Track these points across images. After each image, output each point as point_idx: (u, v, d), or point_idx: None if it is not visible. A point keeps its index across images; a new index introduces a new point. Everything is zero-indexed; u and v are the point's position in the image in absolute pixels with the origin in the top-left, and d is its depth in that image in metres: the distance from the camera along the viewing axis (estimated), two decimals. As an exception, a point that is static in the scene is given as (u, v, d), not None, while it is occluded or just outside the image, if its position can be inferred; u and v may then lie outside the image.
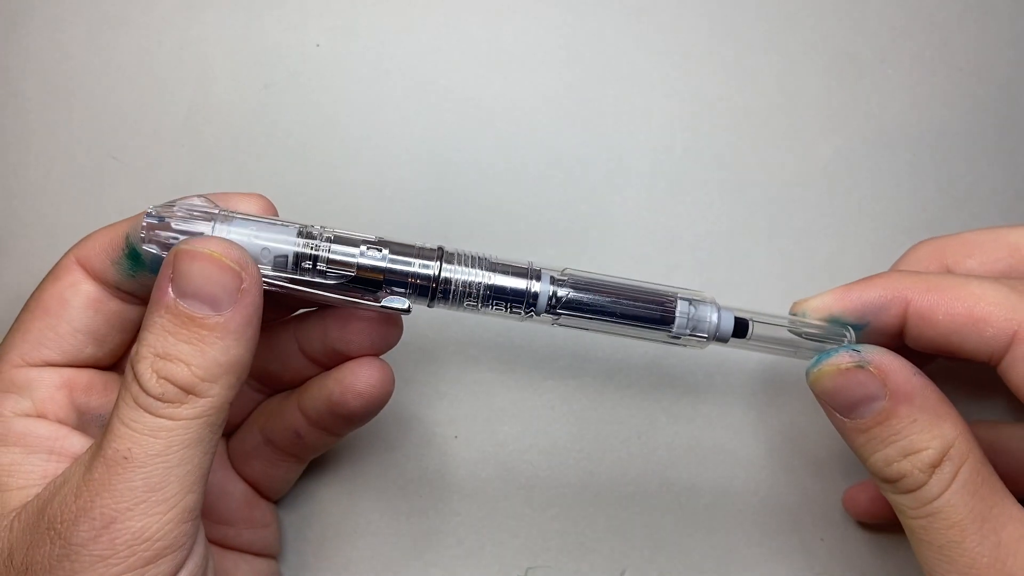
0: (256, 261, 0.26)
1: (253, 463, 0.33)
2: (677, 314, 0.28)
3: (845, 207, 0.38)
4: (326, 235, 0.27)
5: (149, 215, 0.26)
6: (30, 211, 0.36)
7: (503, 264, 0.28)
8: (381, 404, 0.30)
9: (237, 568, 0.32)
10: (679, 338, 0.29)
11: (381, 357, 0.30)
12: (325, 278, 0.27)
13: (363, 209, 0.37)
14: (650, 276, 0.33)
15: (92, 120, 0.37)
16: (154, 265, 0.27)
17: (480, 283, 0.28)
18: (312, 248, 0.26)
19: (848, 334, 0.28)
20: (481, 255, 0.28)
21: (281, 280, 0.27)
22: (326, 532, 0.35)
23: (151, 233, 0.26)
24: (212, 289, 0.25)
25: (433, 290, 0.27)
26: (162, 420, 0.24)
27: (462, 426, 0.36)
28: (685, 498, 0.36)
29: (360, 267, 0.27)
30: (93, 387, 0.29)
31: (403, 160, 0.37)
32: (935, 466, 0.25)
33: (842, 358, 0.27)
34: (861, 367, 0.26)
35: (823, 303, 0.29)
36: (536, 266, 0.28)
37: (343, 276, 0.27)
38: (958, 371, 0.30)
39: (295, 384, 0.31)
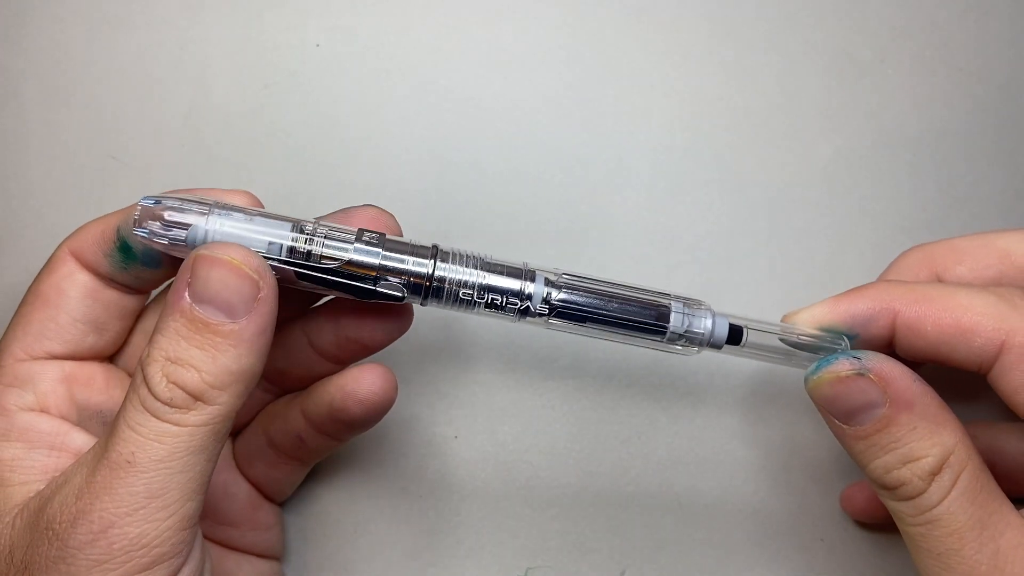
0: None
1: (257, 465, 0.33)
2: (671, 322, 0.28)
3: (845, 207, 0.38)
4: (320, 231, 0.27)
5: (143, 203, 0.26)
6: (30, 211, 0.36)
7: (498, 264, 0.28)
8: (383, 411, 0.30)
9: (240, 569, 0.32)
10: (674, 343, 0.29)
11: (385, 364, 0.30)
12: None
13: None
14: (650, 276, 0.33)
15: (92, 120, 0.37)
16: (146, 258, 0.27)
17: (474, 282, 0.27)
18: (306, 242, 0.26)
19: (844, 342, 0.28)
20: (476, 254, 0.28)
21: (278, 261, 0.26)
22: (326, 532, 0.35)
23: (144, 222, 0.26)
24: (229, 296, 0.24)
25: (427, 288, 0.27)
26: (168, 425, 0.24)
27: (462, 426, 0.36)
28: (685, 498, 0.36)
29: (353, 263, 0.27)
30: (94, 382, 0.29)
31: (403, 160, 0.37)
32: (934, 474, 0.25)
33: (842, 365, 0.27)
34: (861, 374, 0.26)
35: (812, 316, 0.29)
36: (531, 267, 0.28)
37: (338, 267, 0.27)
38: (951, 373, 0.30)
39: (303, 383, 0.31)
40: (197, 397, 0.24)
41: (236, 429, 0.33)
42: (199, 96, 0.37)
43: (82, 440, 0.27)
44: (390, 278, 0.27)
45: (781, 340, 0.29)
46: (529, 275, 0.28)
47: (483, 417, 0.36)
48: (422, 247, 0.28)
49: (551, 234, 0.37)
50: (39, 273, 0.28)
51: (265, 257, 0.26)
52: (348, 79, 0.38)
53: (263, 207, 0.28)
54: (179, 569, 0.25)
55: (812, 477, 0.36)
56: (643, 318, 0.28)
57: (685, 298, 0.29)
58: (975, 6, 0.39)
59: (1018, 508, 0.26)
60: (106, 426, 0.28)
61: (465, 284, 0.27)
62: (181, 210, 0.26)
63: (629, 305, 0.28)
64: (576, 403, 0.36)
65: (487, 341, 0.36)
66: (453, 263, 0.27)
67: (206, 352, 0.24)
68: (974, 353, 0.26)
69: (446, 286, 0.27)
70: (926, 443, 0.26)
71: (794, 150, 0.38)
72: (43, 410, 0.27)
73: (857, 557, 0.35)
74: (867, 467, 0.27)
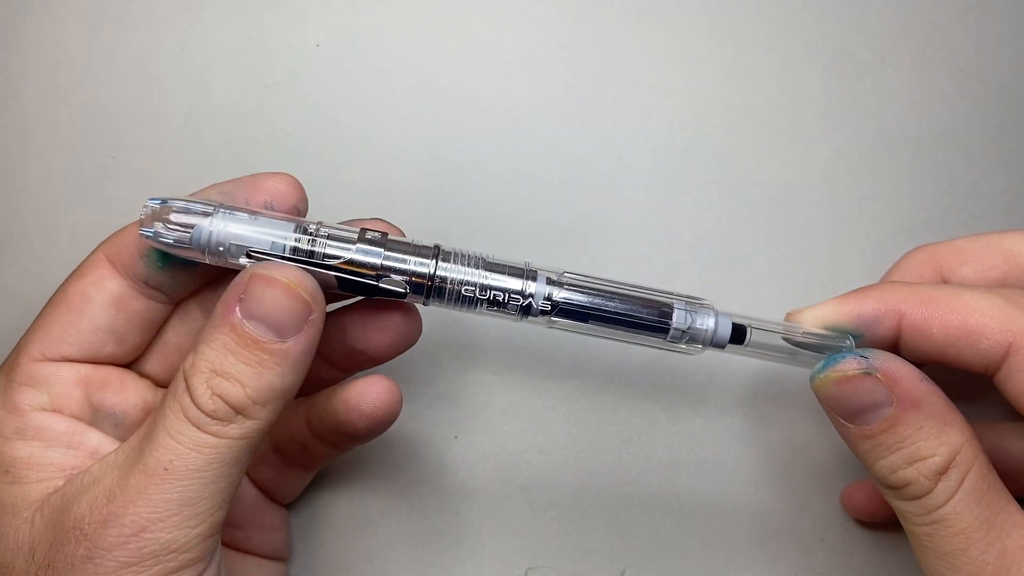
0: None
1: (263, 469, 0.33)
2: (673, 321, 0.28)
3: (845, 207, 0.38)
4: (323, 231, 0.27)
5: (149, 204, 0.26)
6: (30, 211, 0.36)
7: (499, 264, 0.28)
8: (387, 424, 0.30)
9: (247, 570, 0.32)
10: (676, 343, 0.29)
11: (389, 377, 0.30)
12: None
13: (363, 209, 0.37)
14: (650, 276, 0.33)
15: (92, 120, 0.37)
16: (182, 258, 0.28)
17: (475, 282, 0.28)
18: (310, 243, 0.27)
19: (850, 341, 0.28)
20: (477, 254, 0.28)
21: (280, 259, 0.26)
22: (326, 533, 0.35)
23: (150, 223, 0.26)
24: (281, 316, 0.25)
25: (428, 288, 0.27)
26: (208, 437, 0.25)
27: (462, 427, 0.36)
28: (685, 498, 0.36)
29: (355, 263, 0.27)
30: (109, 385, 0.29)
31: (403, 160, 0.37)
32: (941, 473, 0.25)
33: (849, 364, 0.26)
34: (869, 373, 0.26)
35: (817, 315, 0.29)
36: (533, 267, 0.28)
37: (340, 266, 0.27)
38: (955, 372, 0.30)
39: (309, 389, 0.31)
40: (239, 411, 0.25)
41: None
42: (199, 96, 0.37)
43: (98, 440, 0.27)
44: (392, 275, 0.27)
45: (785, 339, 0.29)
46: (531, 274, 0.28)
47: (483, 417, 0.36)
48: (424, 247, 0.28)
49: (551, 234, 0.37)
50: (70, 275, 0.29)
51: (269, 254, 0.26)
52: (348, 79, 0.38)
53: (303, 190, 0.29)
54: (202, 573, 0.25)
55: (813, 477, 0.36)
56: (646, 316, 0.28)
57: (688, 297, 0.29)
58: (975, 6, 0.39)
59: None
60: (119, 428, 0.29)
61: (467, 283, 0.27)
62: (186, 211, 0.26)
63: (632, 303, 0.28)
64: (576, 403, 0.36)
65: (487, 342, 0.36)
66: (455, 263, 0.28)
67: (252, 368, 0.25)
68: (981, 355, 0.26)
69: (448, 285, 0.27)
70: (933, 443, 0.26)
71: (794, 150, 0.38)
72: (56, 410, 0.27)
73: (857, 557, 0.35)
74: (873, 467, 0.27)
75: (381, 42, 0.38)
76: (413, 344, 0.30)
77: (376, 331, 0.29)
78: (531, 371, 0.36)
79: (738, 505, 0.36)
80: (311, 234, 0.27)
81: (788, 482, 0.36)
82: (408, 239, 0.28)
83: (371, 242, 0.27)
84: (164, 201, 0.26)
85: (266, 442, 0.32)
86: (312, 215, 0.29)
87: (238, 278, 0.26)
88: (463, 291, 0.27)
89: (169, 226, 0.26)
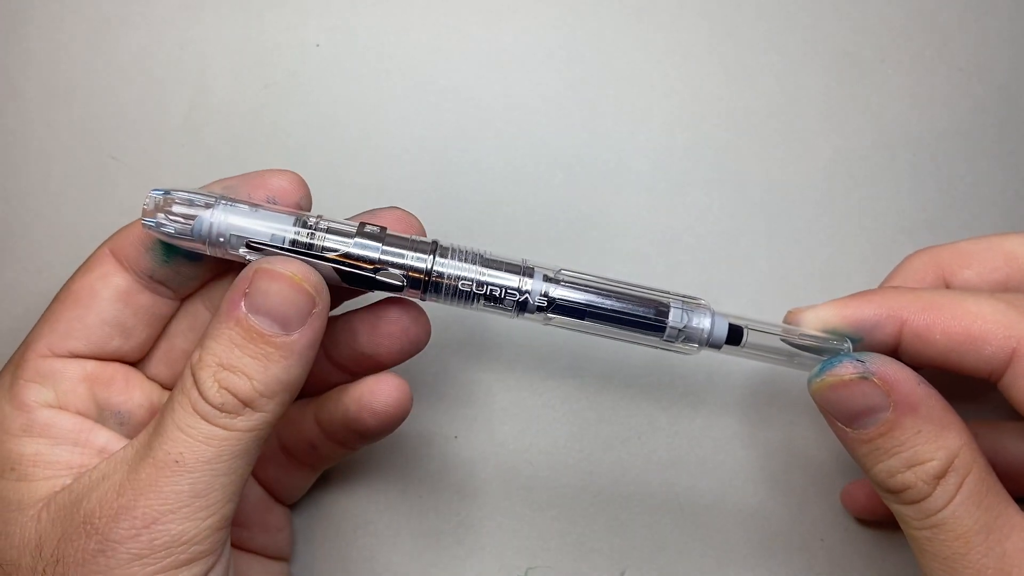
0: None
1: (269, 468, 0.33)
2: (669, 320, 0.28)
3: (845, 207, 0.38)
4: (322, 225, 0.27)
5: (152, 195, 0.27)
6: (30, 211, 0.36)
7: (496, 260, 0.28)
8: (397, 422, 0.30)
9: (251, 569, 0.32)
10: (672, 342, 0.29)
11: (399, 376, 0.30)
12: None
13: (363, 209, 0.37)
14: (650, 276, 0.33)
15: (92, 120, 0.37)
16: (187, 251, 0.28)
17: (472, 278, 0.28)
18: (309, 236, 0.27)
19: (848, 344, 0.28)
20: (475, 250, 0.28)
21: (279, 251, 0.27)
22: (326, 533, 0.36)
23: (153, 214, 0.27)
24: (286, 310, 0.25)
25: (426, 283, 0.28)
26: (217, 429, 0.25)
27: (462, 426, 0.36)
28: (685, 498, 0.36)
29: (353, 256, 0.27)
30: (114, 382, 0.29)
31: (403, 160, 0.37)
32: (940, 477, 0.25)
33: (845, 368, 0.26)
34: (865, 378, 0.26)
35: (817, 317, 0.28)
36: (530, 264, 0.28)
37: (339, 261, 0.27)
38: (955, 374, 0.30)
39: (317, 389, 0.31)
40: (247, 404, 0.25)
41: None
42: (199, 96, 0.37)
43: (105, 437, 0.27)
44: (390, 269, 0.27)
45: (783, 341, 0.29)
46: (528, 271, 0.28)
47: (483, 417, 0.36)
48: (422, 242, 0.28)
49: (551, 234, 0.37)
50: (76, 271, 0.29)
51: (268, 245, 0.26)
52: (348, 79, 0.38)
53: (307, 188, 0.29)
54: (212, 567, 0.26)
55: (812, 478, 0.36)
56: (642, 315, 0.28)
57: (685, 296, 0.29)
58: (975, 6, 0.39)
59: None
60: (124, 427, 0.29)
61: (464, 279, 0.28)
62: (188, 202, 0.27)
63: (628, 302, 0.28)
64: (576, 403, 0.36)
65: (487, 341, 0.36)
66: (452, 259, 0.28)
67: (258, 361, 0.25)
68: (984, 361, 0.26)
69: (445, 281, 0.28)
70: (931, 446, 0.26)
71: (794, 150, 0.38)
72: (62, 407, 0.28)
73: (857, 557, 0.35)
74: (871, 471, 0.27)
75: (381, 42, 0.38)
76: (421, 349, 0.30)
77: (385, 336, 0.29)
78: (531, 370, 0.36)
79: (738, 505, 0.36)
80: (310, 227, 0.27)
81: (788, 482, 0.36)
82: (407, 235, 0.28)
83: (369, 236, 0.27)
84: (167, 192, 0.27)
85: (273, 441, 0.32)
86: (313, 215, 0.29)
87: (243, 273, 0.26)
88: (460, 286, 0.28)
89: (171, 217, 0.26)
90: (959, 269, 0.30)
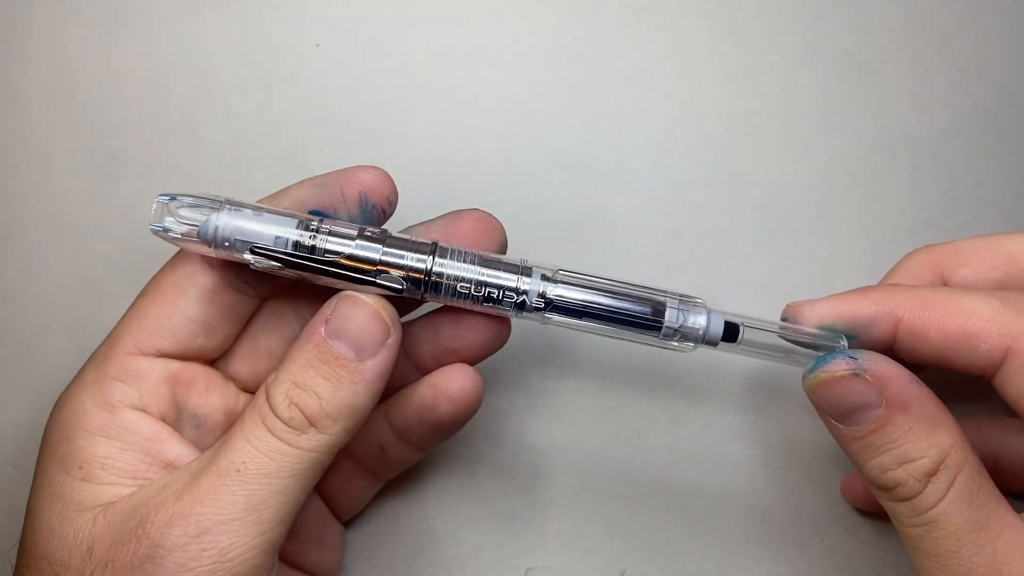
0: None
1: (331, 478, 0.33)
2: (666, 318, 0.28)
3: (845, 207, 0.38)
4: (324, 227, 0.28)
5: (159, 199, 0.27)
6: (30, 211, 0.36)
7: (495, 260, 0.28)
8: (471, 412, 0.30)
9: None
10: (669, 340, 0.29)
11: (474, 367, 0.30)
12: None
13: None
14: (650, 276, 0.33)
15: (92, 120, 0.37)
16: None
17: (471, 278, 0.28)
18: (311, 237, 0.27)
19: (843, 341, 0.28)
20: (474, 251, 0.29)
21: (284, 254, 0.27)
22: (326, 532, 0.35)
23: (160, 218, 0.27)
24: (362, 336, 0.26)
25: (425, 283, 0.28)
26: (281, 444, 0.26)
27: (462, 426, 0.36)
28: (685, 498, 0.36)
29: (354, 258, 0.27)
30: (195, 385, 0.29)
31: (403, 160, 0.37)
32: (931, 475, 0.25)
33: (838, 365, 0.27)
34: (857, 375, 0.26)
35: (814, 312, 0.28)
36: (528, 263, 0.29)
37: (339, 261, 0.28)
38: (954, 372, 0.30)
39: (390, 392, 0.31)
40: (313, 422, 0.26)
41: None
42: (199, 96, 0.37)
43: (177, 451, 0.28)
44: (391, 271, 0.27)
45: (780, 338, 0.29)
46: (526, 271, 0.28)
47: (483, 417, 0.36)
48: (422, 243, 0.28)
49: (551, 234, 0.37)
50: (161, 268, 0.29)
51: (270, 250, 0.27)
52: (348, 79, 0.38)
53: (393, 182, 0.29)
54: None
55: (812, 476, 0.36)
56: (639, 313, 0.28)
57: (681, 295, 0.29)
58: (975, 6, 0.39)
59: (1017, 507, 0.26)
60: (199, 430, 0.29)
61: (463, 279, 0.28)
62: (195, 206, 0.27)
63: (625, 300, 0.29)
64: (576, 403, 0.36)
65: (487, 341, 0.36)
66: (452, 259, 0.28)
67: (330, 383, 0.26)
68: (979, 358, 0.26)
69: (444, 281, 0.28)
70: (922, 444, 0.26)
71: (794, 150, 0.38)
72: (144, 409, 0.28)
73: (857, 557, 0.35)
74: (863, 467, 0.27)
75: (381, 42, 0.38)
76: (504, 344, 0.30)
77: (470, 330, 0.30)
78: (531, 371, 0.36)
79: (738, 505, 0.36)
80: (312, 230, 0.27)
81: (787, 482, 0.36)
82: (407, 236, 0.29)
83: (370, 238, 0.28)
84: (173, 197, 0.27)
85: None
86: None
87: (329, 301, 0.27)
88: (459, 287, 0.28)
89: (178, 221, 0.27)
90: (957, 267, 0.30)
